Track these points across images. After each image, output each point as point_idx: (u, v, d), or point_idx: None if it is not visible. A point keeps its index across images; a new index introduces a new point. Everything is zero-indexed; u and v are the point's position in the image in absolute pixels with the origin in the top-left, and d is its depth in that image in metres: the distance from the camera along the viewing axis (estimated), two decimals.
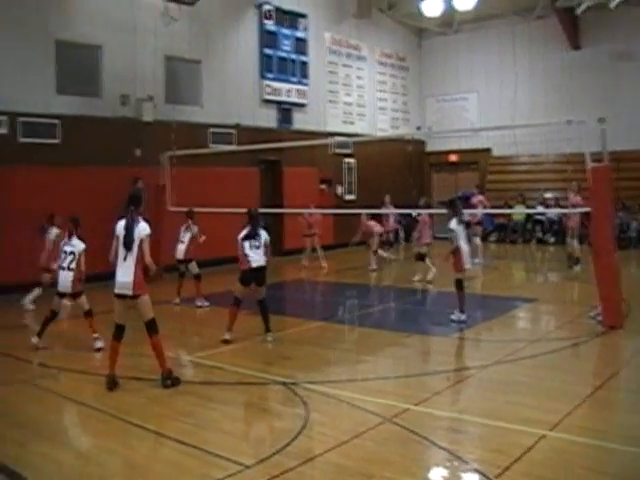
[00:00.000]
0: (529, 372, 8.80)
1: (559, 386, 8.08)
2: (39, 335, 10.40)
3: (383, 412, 7.16)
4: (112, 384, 8.23)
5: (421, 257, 16.25)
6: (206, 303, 13.88)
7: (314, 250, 19.49)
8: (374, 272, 18.32)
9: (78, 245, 10.49)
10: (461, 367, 9.32)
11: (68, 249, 10.46)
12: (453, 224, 11.88)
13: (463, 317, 11.69)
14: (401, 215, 21.81)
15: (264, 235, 10.78)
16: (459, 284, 11.77)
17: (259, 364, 9.32)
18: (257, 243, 10.63)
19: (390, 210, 19.81)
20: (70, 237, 10.58)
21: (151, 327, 8.33)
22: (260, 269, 10.66)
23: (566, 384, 8.17)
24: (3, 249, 14.99)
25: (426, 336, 11.33)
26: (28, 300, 13.73)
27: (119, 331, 8.36)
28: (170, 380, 8.28)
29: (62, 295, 10.55)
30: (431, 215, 17.29)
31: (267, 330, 10.73)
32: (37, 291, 13.63)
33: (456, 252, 11.76)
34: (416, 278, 16.36)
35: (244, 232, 10.77)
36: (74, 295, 10.53)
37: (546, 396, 7.68)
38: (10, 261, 14.97)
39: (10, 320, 12.81)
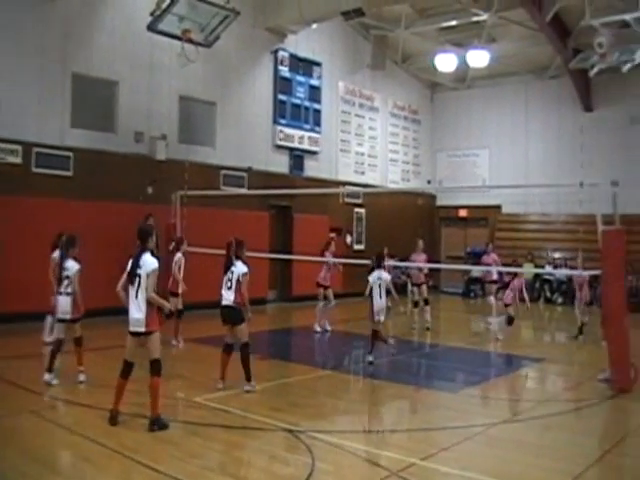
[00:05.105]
0: (538, 432, 8.63)
1: (568, 448, 7.89)
2: (49, 370, 10.15)
3: (389, 465, 6.99)
4: (114, 420, 8.08)
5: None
6: None
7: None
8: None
9: (72, 267, 10.19)
10: (468, 424, 9.11)
11: (64, 273, 10.18)
12: (371, 277, 12.44)
13: (370, 358, 12.34)
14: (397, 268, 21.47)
15: (237, 269, 10.12)
16: (374, 332, 12.45)
17: (266, 409, 9.16)
18: (229, 277, 10.11)
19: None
20: (64, 259, 10.29)
21: (155, 367, 8.14)
22: (227, 308, 10.11)
23: (575, 446, 7.97)
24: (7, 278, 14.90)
25: (434, 390, 11.14)
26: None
27: (127, 368, 8.23)
28: (157, 425, 8.02)
29: (62, 321, 10.28)
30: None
31: (246, 379, 10.08)
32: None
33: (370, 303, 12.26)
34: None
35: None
36: (73, 321, 10.24)
37: (555, 457, 7.50)
38: (14, 290, 14.88)
39: (23, 350, 12.76)
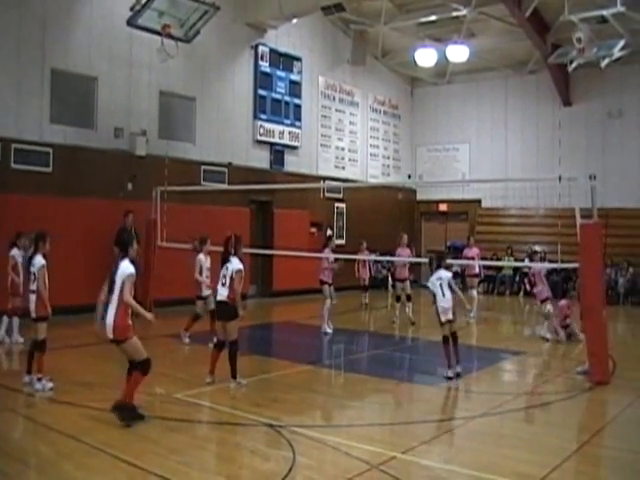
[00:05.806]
0: (516, 425, 8.72)
1: (546, 440, 7.95)
2: (28, 372, 9.83)
3: (370, 459, 7.02)
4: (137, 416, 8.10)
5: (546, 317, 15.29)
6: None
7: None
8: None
9: (37, 263, 9.68)
10: (448, 417, 9.19)
11: (31, 269, 9.75)
12: (430, 281, 11.56)
13: (450, 373, 11.11)
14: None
15: (231, 266, 10.16)
16: (443, 339, 11.30)
17: (246, 405, 9.17)
18: (224, 273, 10.18)
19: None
20: (33, 255, 9.83)
21: (142, 367, 8.08)
22: (221, 303, 10.21)
23: (553, 438, 8.04)
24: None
25: (414, 384, 11.20)
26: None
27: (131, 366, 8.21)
28: (125, 411, 7.96)
29: (34, 320, 9.83)
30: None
31: (232, 376, 10.14)
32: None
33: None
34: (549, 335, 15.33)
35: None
36: (36, 320, 9.70)
37: (533, 450, 7.57)
38: None
39: None
